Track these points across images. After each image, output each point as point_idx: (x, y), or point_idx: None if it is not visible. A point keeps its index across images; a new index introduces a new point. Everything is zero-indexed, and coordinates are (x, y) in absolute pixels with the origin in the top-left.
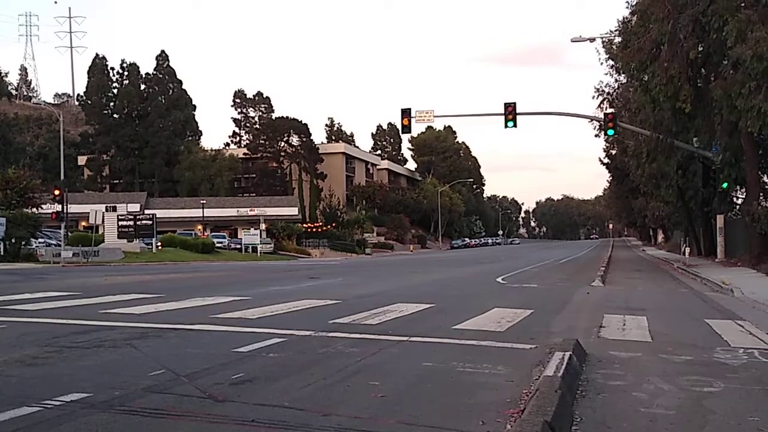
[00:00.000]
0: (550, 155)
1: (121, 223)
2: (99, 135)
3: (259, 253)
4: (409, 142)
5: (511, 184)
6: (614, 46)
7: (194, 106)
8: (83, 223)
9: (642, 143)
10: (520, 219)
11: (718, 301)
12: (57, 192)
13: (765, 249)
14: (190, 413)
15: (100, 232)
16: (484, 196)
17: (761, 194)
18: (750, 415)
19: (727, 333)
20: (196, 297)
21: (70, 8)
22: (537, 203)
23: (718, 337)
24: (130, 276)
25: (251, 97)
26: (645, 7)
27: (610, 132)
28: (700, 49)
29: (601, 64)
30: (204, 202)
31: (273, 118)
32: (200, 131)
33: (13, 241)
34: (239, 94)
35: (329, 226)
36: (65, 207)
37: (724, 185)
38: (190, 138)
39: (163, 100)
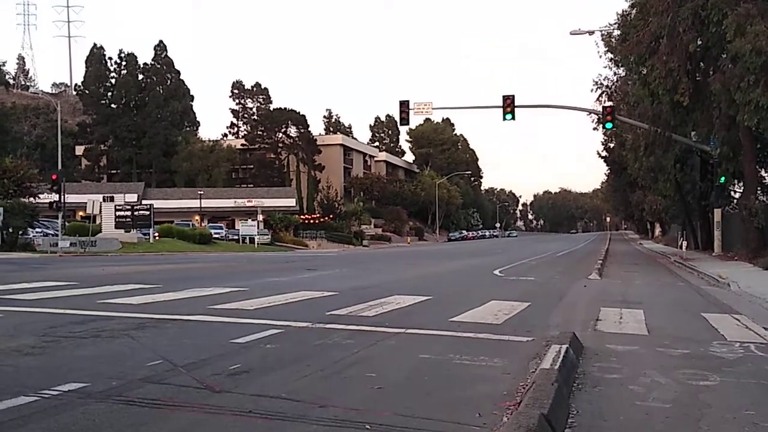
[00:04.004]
0: (549, 148)
1: (118, 213)
2: (97, 125)
3: (256, 245)
4: (408, 134)
5: (509, 176)
6: (613, 39)
7: (192, 97)
8: (81, 213)
9: (640, 136)
10: (518, 212)
11: (715, 295)
12: (54, 177)
13: (762, 243)
14: (187, 404)
15: (98, 222)
16: (482, 188)
17: (759, 188)
18: (745, 408)
19: (723, 327)
20: (193, 288)
21: None
22: (535, 196)
23: (715, 331)
24: (127, 266)
25: (249, 88)
26: (644, 0)
27: (609, 125)
28: (699, 42)
29: (600, 57)
30: (201, 192)
31: (271, 109)
32: (198, 122)
33: (10, 230)
34: (237, 85)
35: (327, 218)
36: (63, 197)
37: (722, 179)
38: (188, 128)
39: (161, 91)
